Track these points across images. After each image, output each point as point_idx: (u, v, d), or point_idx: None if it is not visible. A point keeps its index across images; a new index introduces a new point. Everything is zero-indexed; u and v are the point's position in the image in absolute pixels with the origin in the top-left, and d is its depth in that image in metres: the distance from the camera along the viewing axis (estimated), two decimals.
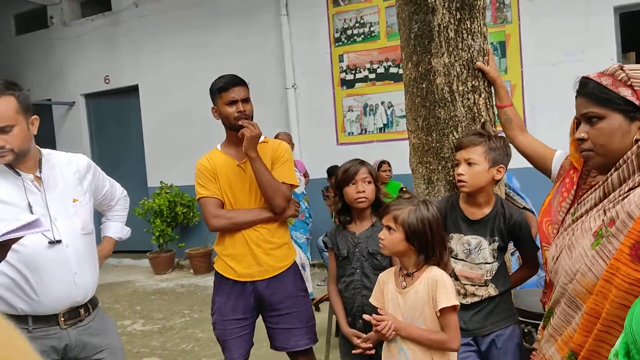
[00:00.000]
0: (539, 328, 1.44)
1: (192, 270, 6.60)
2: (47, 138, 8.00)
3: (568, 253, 1.20)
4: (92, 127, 7.94)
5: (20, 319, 1.78)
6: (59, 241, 1.82)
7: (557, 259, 1.25)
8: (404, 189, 5.04)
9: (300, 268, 4.54)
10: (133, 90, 7.45)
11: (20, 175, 1.83)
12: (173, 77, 7.09)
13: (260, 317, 2.43)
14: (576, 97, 1.29)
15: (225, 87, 2.32)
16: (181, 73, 7.03)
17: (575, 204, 1.29)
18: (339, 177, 2.20)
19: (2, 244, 1.44)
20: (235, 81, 2.34)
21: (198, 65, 6.86)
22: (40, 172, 1.89)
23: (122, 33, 7.47)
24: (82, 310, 1.90)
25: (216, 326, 2.40)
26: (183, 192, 6.80)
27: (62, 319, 1.84)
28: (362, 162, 2.20)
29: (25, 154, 1.82)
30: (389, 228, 1.75)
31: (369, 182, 2.15)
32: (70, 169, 2.01)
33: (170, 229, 6.70)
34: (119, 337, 2.08)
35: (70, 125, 7.97)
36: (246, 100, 2.34)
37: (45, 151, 2.00)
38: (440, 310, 1.68)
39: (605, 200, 1.17)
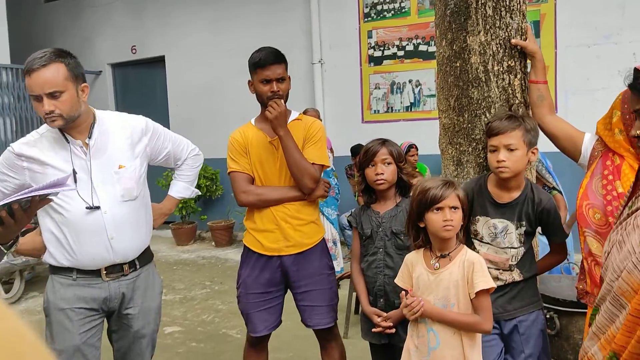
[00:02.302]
0: (585, 324, 1.40)
1: (213, 243, 6.69)
2: None
3: (618, 249, 1.15)
4: (118, 97, 8.01)
5: (65, 270, 1.95)
6: (98, 207, 1.91)
7: (608, 254, 1.20)
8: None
9: (332, 244, 4.61)
10: (159, 61, 7.46)
11: (68, 142, 1.92)
12: (199, 48, 7.07)
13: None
14: (630, 89, 1.21)
15: (262, 64, 2.27)
16: (207, 45, 7.00)
17: (634, 198, 1.23)
18: (360, 158, 2.18)
19: (32, 203, 1.47)
20: (271, 59, 2.27)
21: (224, 38, 6.82)
22: (90, 137, 1.95)
23: (150, 3, 7.46)
24: (126, 266, 2.01)
25: (240, 299, 2.42)
26: (206, 164, 6.84)
27: (104, 272, 1.97)
28: (383, 142, 2.15)
29: (75, 119, 1.89)
30: (455, 208, 1.72)
31: (389, 164, 2.11)
32: (123, 133, 2.05)
33: (193, 201, 6.77)
34: (159, 301, 2.15)
35: (97, 94, 8.04)
36: (281, 79, 2.29)
37: (100, 114, 2.04)
38: (476, 292, 1.67)
39: None
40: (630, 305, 1.04)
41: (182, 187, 2.43)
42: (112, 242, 1.93)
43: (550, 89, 5.25)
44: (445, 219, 1.71)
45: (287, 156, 2.25)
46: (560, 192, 3.49)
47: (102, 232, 1.91)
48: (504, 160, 1.82)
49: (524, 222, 1.88)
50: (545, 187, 3.46)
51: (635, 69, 1.20)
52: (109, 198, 1.93)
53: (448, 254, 1.76)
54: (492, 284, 1.68)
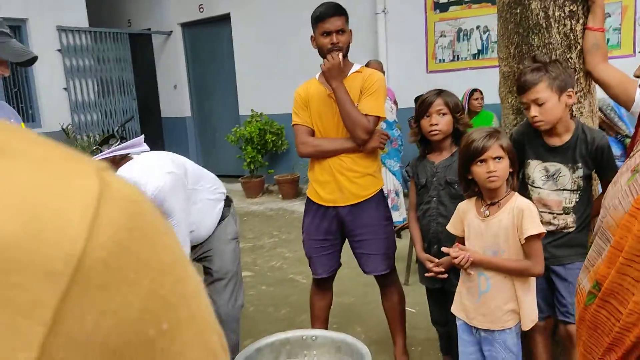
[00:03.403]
0: None
1: (280, 195, 6.95)
2: (147, 67, 8.51)
3: (612, 187, 1.18)
4: (188, 56, 8.28)
5: None
6: None
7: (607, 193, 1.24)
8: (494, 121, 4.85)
9: (394, 195, 4.69)
10: (225, 18, 7.61)
11: None
12: (263, 4, 7.13)
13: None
14: None
15: (322, 17, 2.33)
16: (271, 1, 7.04)
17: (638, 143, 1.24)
18: (416, 108, 2.22)
19: (113, 162, 1.69)
20: (331, 11, 2.33)
21: None
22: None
23: None
24: None
25: (305, 243, 2.59)
26: (272, 120, 7.03)
27: None
28: (439, 93, 2.17)
29: None
30: (499, 158, 1.76)
31: (444, 114, 2.13)
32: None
33: (260, 155, 7.02)
34: (234, 244, 2.44)
35: (168, 54, 8.36)
36: (341, 31, 2.34)
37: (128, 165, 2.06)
38: (526, 238, 1.71)
39: None
40: (614, 238, 1.08)
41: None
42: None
43: (629, 31, 4.91)
44: (488, 170, 1.74)
45: (340, 108, 2.32)
46: None
47: None
48: (536, 116, 1.83)
49: (579, 164, 1.87)
50: (619, 135, 3.32)
51: None
52: None
53: (497, 202, 1.80)
54: (542, 229, 1.72)
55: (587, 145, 1.85)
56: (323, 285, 2.61)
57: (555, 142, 1.90)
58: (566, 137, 1.89)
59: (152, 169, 1.98)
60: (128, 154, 1.72)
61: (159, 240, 0.28)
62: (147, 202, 0.28)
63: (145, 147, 1.75)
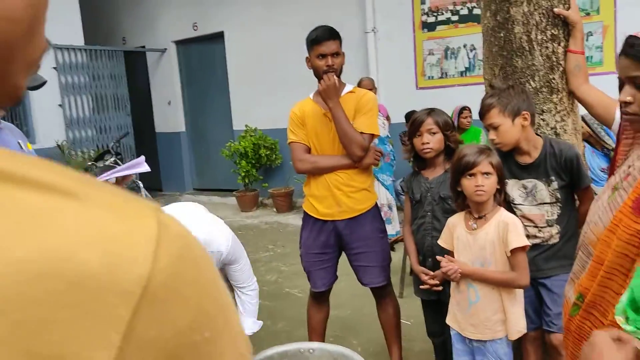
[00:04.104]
0: None
1: (275, 209, 7.02)
2: (142, 83, 8.60)
3: (594, 204, 1.26)
4: (182, 73, 8.37)
5: None
6: None
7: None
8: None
9: (387, 209, 4.78)
10: (219, 36, 7.73)
11: None
12: (256, 23, 7.26)
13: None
14: (620, 55, 1.26)
15: (318, 40, 2.44)
16: (263, 19, 7.17)
17: (618, 163, 1.32)
18: (408, 128, 2.32)
19: (116, 182, 1.77)
20: (327, 35, 2.44)
21: (279, 11, 6.96)
22: None
23: None
24: None
25: (302, 258, 2.66)
26: (266, 135, 7.13)
27: None
28: (429, 112, 2.26)
29: None
30: (487, 174, 1.87)
31: (435, 133, 2.22)
32: None
33: (255, 169, 7.10)
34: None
35: (163, 70, 8.45)
36: (336, 54, 2.45)
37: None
38: (511, 250, 1.81)
39: (635, 156, 1.19)
40: (595, 252, 1.15)
41: (252, 323, 2.74)
42: None
43: (611, 49, 5.06)
44: (476, 184, 1.85)
45: (337, 126, 2.42)
46: None
47: None
48: (494, 139, 1.96)
49: (553, 177, 1.97)
50: (604, 149, 3.45)
51: (629, 37, 1.24)
52: None
53: (484, 216, 1.90)
54: (526, 242, 1.82)
55: (557, 158, 1.96)
56: (320, 298, 2.68)
57: (526, 159, 2.01)
58: (535, 154, 1.99)
59: (215, 225, 2.44)
60: (129, 174, 1.80)
61: (202, 265, 0.35)
62: (192, 236, 0.35)
63: (146, 167, 1.83)
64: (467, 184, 1.89)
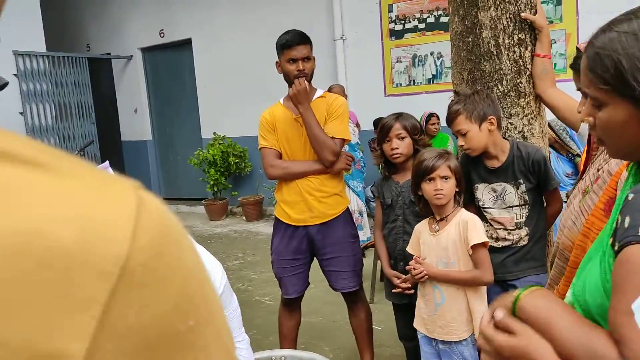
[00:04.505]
0: None
1: (244, 217, 6.95)
2: (107, 91, 8.41)
3: (567, 209, 1.27)
4: (149, 81, 8.24)
5: None
6: None
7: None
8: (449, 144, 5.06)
9: (358, 215, 4.78)
10: (187, 43, 7.64)
11: None
12: (224, 29, 7.21)
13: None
14: (570, 68, 1.26)
15: (289, 44, 2.42)
16: (231, 25, 7.13)
17: (587, 169, 1.34)
18: (377, 134, 2.33)
19: None
20: (297, 39, 2.42)
21: (248, 17, 6.94)
22: None
23: None
24: None
25: (274, 264, 2.62)
26: (235, 143, 7.06)
27: None
28: (397, 117, 2.28)
29: None
30: (446, 177, 1.90)
31: (403, 138, 2.24)
32: None
33: (224, 178, 7.02)
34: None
35: (129, 78, 8.30)
36: (307, 58, 2.44)
37: None
38: (472, 247, 1.84)
39: (602, 160, 1.20)
40: (570, 257, 1.15)
41: None
42: None
43: (574, 53, 5.20)
44: (435, 188, 1.91)
45: (308, 131, 2.41)
46: None
47: None
48: (463, 144, 2.00)
49: (521, 180, 2.00)
50: (569, 154, 3.53)
51: (577, 48, 1.25)
52: None
53: (445, 217, 1.94)
54: (485, 239, 1.85)
55: (524, 161, 1.99)
56: (292, 305, 2.65)
57: (495, 163, 2.03)
58: (503, 158, 2.02)
59: (207, 261, 1.98)
60: None
61: (185, 246, 0.32)
62: (174, 217, 0.32)
63: (111, 172, 1.76)
64: (427, 188, 1.94)
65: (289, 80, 2.47)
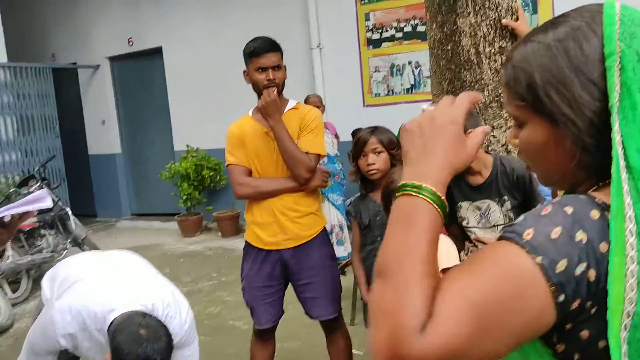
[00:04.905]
0: None
1: (220, 233, 6.71)
2: (73, 102, 8.11)
3: None
4: (117, 91, 7.98)
5: None
6: None
7: None
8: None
9: (338, 229, 4.61)
10: (157, 52, 7.41)
11: None
12: (196, 38, 7.01)
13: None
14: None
15: (257, 52, 2.25)
16: (204, 34, 6.93)
17: None
18: (352, 148, 2.18)
19: (9, 223, 1.47)
20: (267, 47, 2.26)
21: (221, 25, 6.75)
22: None
23: None
24: None
25: (244, 292, 2.44)
26: (209, 155, 6.84)
27: None
28: (372, 131, 2.15)
29: None
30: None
31: (380, 152, 2.10)
32: None
33: (198, 192, 6.78)
34: None
35: (96, 88, 8.03)
36: (277, 67, 2.28)
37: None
38: (441, 271, 1.67)
39: None
40: None
41: None
42: None
43: None
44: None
45: (280, 146, 2.24)
46: None
47: None
48: None
49: (505, 197, 1.88)
50: None
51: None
52: None
53: None
54: (452, 265, 1.71)
55: (508, 176, 1.88)
56: (265, 335, 2.45)
57: (478, 180, 1.91)
58: (486, 173, 1.90)
59: (172, 294, 1.87)
60: (28, 211, 1.51)
61: None
62: None
63: (49, 202, 1.53)
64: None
65: (259, 90, 2.30)
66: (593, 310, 0.61)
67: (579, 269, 0.59)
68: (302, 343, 3.33)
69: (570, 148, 0.67)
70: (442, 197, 0.66)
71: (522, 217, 0.65)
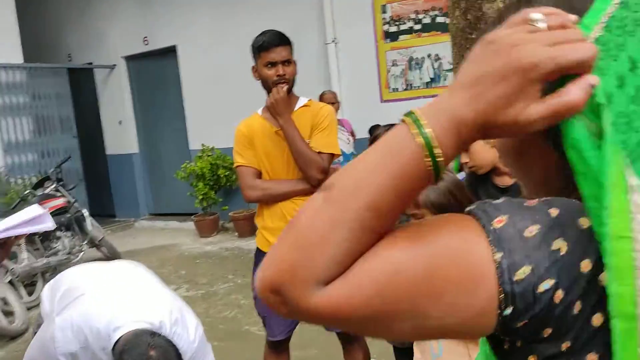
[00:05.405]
0: None
1: (236, 233, 6.62)
2: (90, 102, 8.09)
3: None
4: (133, 90, 7.94)
5: None
6: None
7: None
8: None
9: None
10: (171, 51, 7.34)
11: None
12: (210, 35, 6.91)
13: None
14: None
15: (266, 46, 2.14)
16: (218, 31, 6.83)
17: None
18: (369, 144, 2.04)
19: (5, 242, 1.36)
20: (276, 40, 2.14)
21: (235, 22, 6.64)
22: None
23: None
24: None
25: (257, 301, 2.33)
26: (225, 154, 6.74)
27: None
28: (389, 128, 1.99)
29: None
30: (414, 215, 1.61)
31: None
32: None
33: (213, 192, 6.70)
34: None
35: (112, 88, 8.00)
36: (287, 62, 2.15)
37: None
38: None
39: None
40: None
41: None
42: None
43: None
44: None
45: (291, 146, 2.12)
46: None
47: None
48: (467, 161, 1.94)
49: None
50: None
51: None
52: None
53: None
54: None
55: None
56: (279, 347, 2.32)
57: (506, 181, 1.79)
58: None
59: (179, 310, 1.74)
60: (27, 234, 1.41)
61: None
62: None
63: (50, 224, 1.43)
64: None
65: (268, 87, 2.18)
66: (548, 335, 0.48)
67: (543, 286, 0.46)
68: (319, 351, 3.20)
69: (544, 147, 0.55)
70: (440, 152, 0.48)
71: (502, 199, 0.55)
